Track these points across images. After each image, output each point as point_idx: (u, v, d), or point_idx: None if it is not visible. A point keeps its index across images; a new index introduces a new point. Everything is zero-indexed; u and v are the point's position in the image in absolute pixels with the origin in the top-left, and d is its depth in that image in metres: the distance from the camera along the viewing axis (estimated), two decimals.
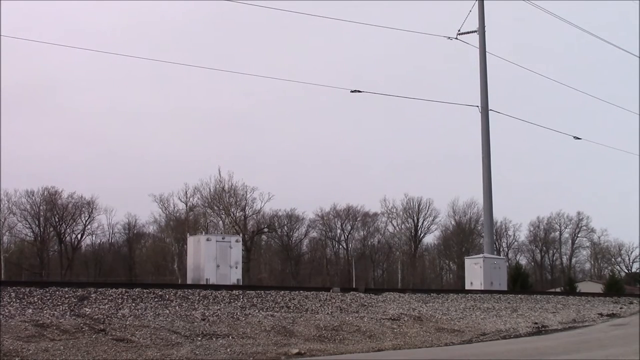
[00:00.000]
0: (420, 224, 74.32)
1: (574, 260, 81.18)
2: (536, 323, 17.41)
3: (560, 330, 16.39)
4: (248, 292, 17.09)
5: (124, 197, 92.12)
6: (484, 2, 33.49)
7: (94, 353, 10.17)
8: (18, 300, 13.42)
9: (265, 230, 70.32)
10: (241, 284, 22.89)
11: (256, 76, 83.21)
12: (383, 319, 15.79)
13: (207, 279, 22.23)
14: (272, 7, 52.71)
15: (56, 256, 68.75)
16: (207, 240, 23.27)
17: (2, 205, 63.38)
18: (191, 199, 65.05)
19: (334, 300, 17.85)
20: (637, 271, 75.89)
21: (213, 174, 62.19)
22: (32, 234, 67.06)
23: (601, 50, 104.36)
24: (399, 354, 11.92)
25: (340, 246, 77.25)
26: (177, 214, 65.99)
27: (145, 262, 72.06)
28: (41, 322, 11.76)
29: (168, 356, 10.32)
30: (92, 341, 10.98)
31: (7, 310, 12.52)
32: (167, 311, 14.01)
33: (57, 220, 67.60)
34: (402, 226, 74.82)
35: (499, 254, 61.09)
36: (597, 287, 54.40)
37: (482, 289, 24.96)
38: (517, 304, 21.77)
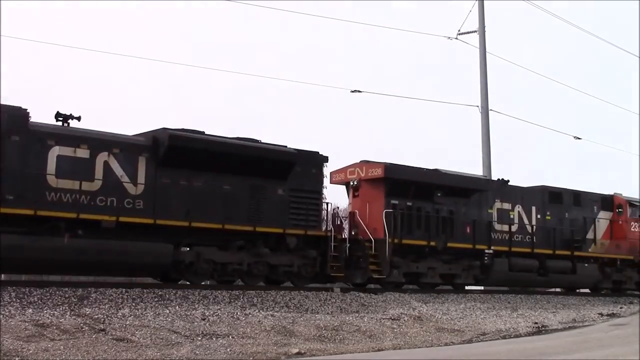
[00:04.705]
0: None
1: None
2: (536, 323, 17.42)
3: (560, 330, 16.40)
4: (248, 292, 17.09)
5: None
6: (484, 2, 33.46)
7: (94, 353, 10.17)
8: (18, 300, 13.43)
9: None
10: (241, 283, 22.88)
11: (256, 76, 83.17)
12: (383, 319, 15.80)
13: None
14: (272, 7, 52.82)
15: None
16: None
17: None
18: None
19: (334, 300, 17.87)
20: None
21: None
22: None
23: (601, 50, 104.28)
24: (399, 353, 11.91)
25: None
26: None
27: None
28: (41, 322, 11.76)
29: (168, 356, 10.31)
30: (92, 341, 10.98)
31: (7, 310, 12.53)
32: (167, 311, 14.02)
33: None
34: None
35: None
36: None
37: (482, 288, 24.95)
38: (517, 303, 21.80)
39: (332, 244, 19.45)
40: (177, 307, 14.55)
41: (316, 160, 19.92)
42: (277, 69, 75.69)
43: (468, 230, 22.91)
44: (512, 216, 24.32)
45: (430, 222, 22.13)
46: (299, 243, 18.99)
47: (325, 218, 20.05)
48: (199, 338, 11.98)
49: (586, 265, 25.87)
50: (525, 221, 24.67)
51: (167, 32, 74.79)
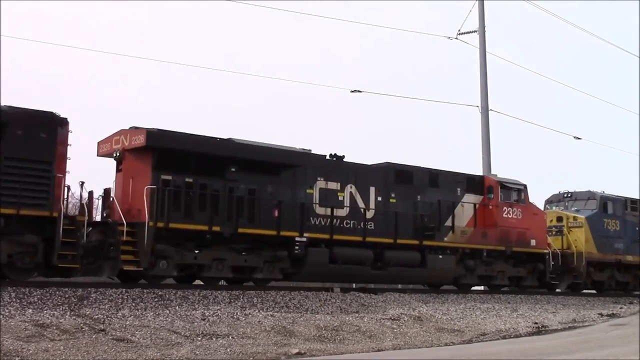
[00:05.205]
0: None
1: None
2: (536, 323, 17.43)
3: (560, 330, 16.41)
4: (248, 292, 17.10)
5: None
6: (484, 2, 33.45)
7: (94, 353, 10.17)
8: (18, 300, 13.43)
9: None
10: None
11: (256, 76, 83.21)
12: (383, 319, 15.81)
13: None
14: (272, 7, 52.80)
15: None
16: None
17: None
18: None
19: (334, 300, 17.88)
20: None
21: None
22: None
23: (601, 50, 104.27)
24: (399, 353, 11.92)
25: None
26: None
27: None
28: (41, 322, 11.77)
29: (168, 356, 10.31)
30: (92, 341, 10.99)
31: (7, 310, 12.53)
32: (167, 311, 14.03)
33: None
34: None
35: None
36: None
37: (482, 288, 24.94)
38: (517, 304, 21.80)
39: (62, 227, 15.29)
40: (177, 308, 14.56)
41: (47, 123, 15.55)
42: (276, 69, 75.78)
43: (276, 214, 18.88)
44: (340, 198, 20.31)
45: (218, 202, 17.90)
46: (10, 226, 15.05)
47: (63, 195, 15.66)
48: (199, 338, 11.99)
49: (440, 257, 21.93)
50: (360, 204, 20.55)
51: (165, 31, 74.89)
